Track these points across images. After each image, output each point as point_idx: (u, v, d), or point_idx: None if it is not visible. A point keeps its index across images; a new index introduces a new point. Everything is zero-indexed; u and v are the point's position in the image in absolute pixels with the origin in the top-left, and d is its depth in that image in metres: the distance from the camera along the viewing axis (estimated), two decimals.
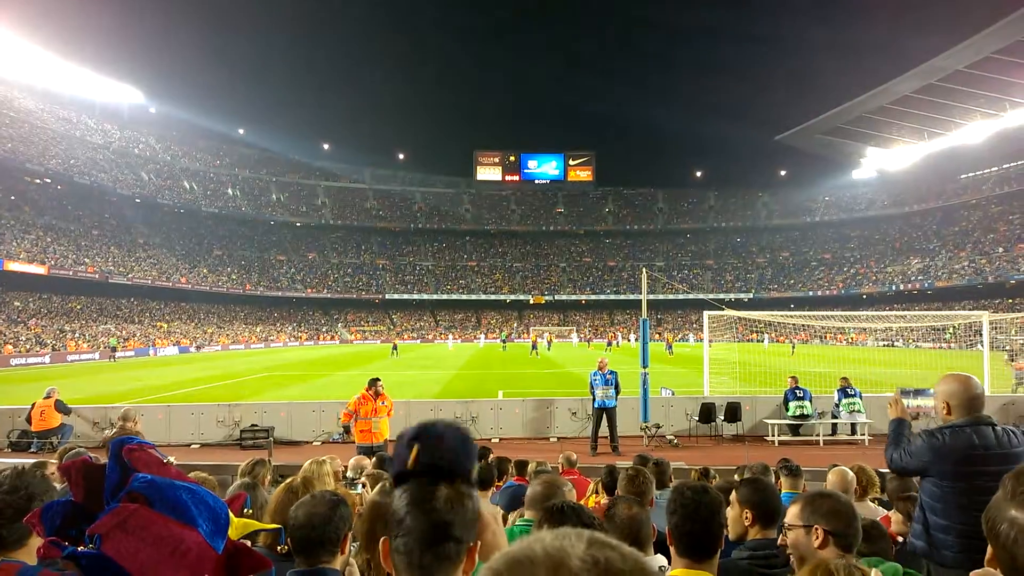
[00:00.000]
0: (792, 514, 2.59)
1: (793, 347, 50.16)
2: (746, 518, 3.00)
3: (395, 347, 52.34)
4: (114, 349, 50.60)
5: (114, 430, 10.85)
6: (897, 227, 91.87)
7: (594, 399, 13.98)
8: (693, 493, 2.54)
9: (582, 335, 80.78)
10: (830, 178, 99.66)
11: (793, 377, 15.77)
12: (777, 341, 58.16)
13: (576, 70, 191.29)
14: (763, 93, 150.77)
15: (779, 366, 31.11)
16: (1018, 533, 1.47)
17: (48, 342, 50.66)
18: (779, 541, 2.68)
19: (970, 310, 54.72)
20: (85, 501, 1.39)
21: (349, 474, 6.08)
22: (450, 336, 74.93)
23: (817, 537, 2.48)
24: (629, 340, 70.00)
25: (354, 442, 11.19)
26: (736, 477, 6.30)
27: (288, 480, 3.64)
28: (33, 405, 14.16)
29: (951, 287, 71.92)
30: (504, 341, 66.30)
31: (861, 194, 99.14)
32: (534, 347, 53.22)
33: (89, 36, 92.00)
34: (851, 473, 5.03)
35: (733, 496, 3.17)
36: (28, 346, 48.23)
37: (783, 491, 5.17)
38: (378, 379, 11.35)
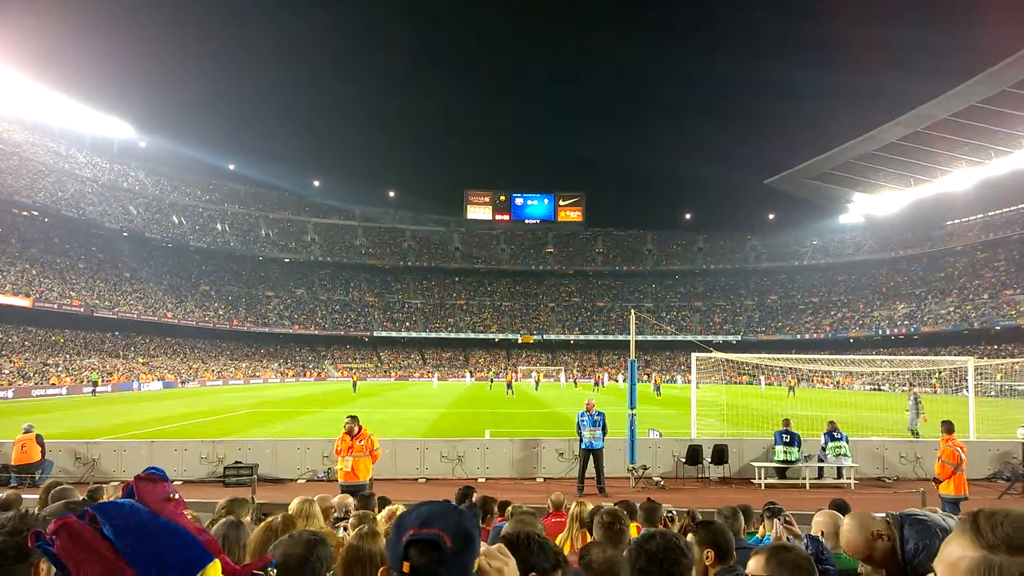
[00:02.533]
0: (756, 566, 2.55)
1: (791, 389, 48.24)
2: (707, 557, 3.27)
3: (355, 384, 52.26)
4: (95, 383, 49.86)
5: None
6: (884, 272, 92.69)
7: (581, 440, 13.87)
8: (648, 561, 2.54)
9: (570, 375, 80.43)
10: (818, 222, 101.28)
11: (786, 420, 15.59)
12: (771, 383, 57.44)
13: (568, 112, 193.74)
14: (753, 137, 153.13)
15: (767, 409, 31.07)
16: None
17: (31, 375, 50.07)
18: None
19: (956, 355, 55.21)
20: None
21: (335, 513, 6.00)
22: (436, 375, 74.31)
23: None
24: (616, 380, 69.79)
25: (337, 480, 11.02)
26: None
27: (268, 519, 3.56)
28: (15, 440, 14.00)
29: (937, 332, 72.46)
30: (491, 380, 65.90)
31: (848, 238, 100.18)
32: (509, 387, 52.57)
33: (82, 70, 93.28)
34: (841, 515, 5.00)
35: (691, 538, 3.36)
36: (10, 379, 47.67)
37: (768, 533, 5.14)
38: (351, 417, 11.05)
